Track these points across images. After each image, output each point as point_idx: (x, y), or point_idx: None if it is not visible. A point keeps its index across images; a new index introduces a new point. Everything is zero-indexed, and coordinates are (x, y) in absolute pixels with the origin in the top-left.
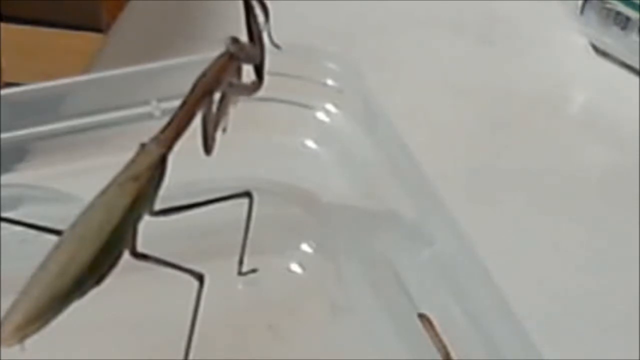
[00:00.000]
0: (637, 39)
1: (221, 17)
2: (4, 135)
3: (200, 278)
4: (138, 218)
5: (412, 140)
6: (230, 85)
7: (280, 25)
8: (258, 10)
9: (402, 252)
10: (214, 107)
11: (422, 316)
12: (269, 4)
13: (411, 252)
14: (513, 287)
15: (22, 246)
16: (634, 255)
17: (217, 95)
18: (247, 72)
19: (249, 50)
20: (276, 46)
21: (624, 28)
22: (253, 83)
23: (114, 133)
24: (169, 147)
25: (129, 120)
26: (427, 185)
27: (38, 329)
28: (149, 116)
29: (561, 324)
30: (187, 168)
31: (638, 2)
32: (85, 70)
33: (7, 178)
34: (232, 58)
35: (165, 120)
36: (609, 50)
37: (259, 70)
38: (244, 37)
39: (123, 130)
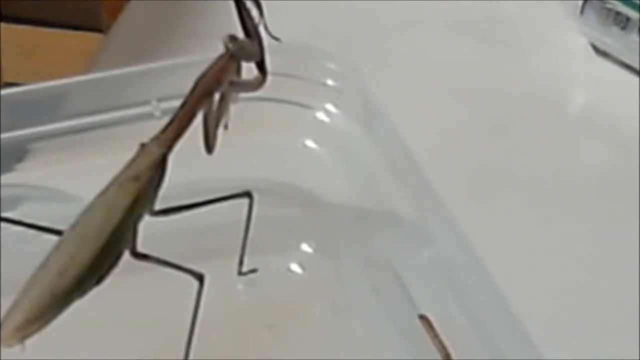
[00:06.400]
0: (637, 39)
1: (221, 16)
2: (4, 135)
3: (200, 278)
4: (138, 218)
5: (412, 140)
6: (233, 83)
7: (281, 25)
8: (250, 5)
9: (402, 252)
10: (215, 106)
11: (422, 317)
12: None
13: (411, 252)
14: (513, 287)
15: (22, 246)
16: (634, 255)
17: (217, 94)
18: (250, 68)
19: (248, 47)
20: (275, 38)
21: (624, 28)
22: (257, 79)
23: (114, 133)
24: (169, 147)
25: (129, 120)
26: (427, 185)
27: (38, 329)
28: (149, 116)
29: (561, 324)
30: (187, 168)
31: (638, 2)
32: (85, 70)
33: (7, 178)
34: (232, 58)
35: (165, 120)
36: (609, 50)
37: (261, 66)
38: (241, 36)
39: (123, 130)
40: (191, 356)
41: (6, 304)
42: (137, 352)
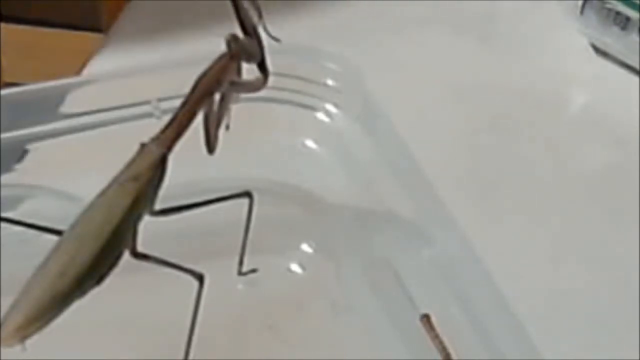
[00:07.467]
0: (637, 39)
1: (221, 16)
2: (4, 135)
3: (200, 278)
4: (138, 218)
5: (412, 140)
6: (233, 83)
7: (281, 26)
8: (247, 6)
9: (402, 252)
10: (215, 106)
11: (422, 316)
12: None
13: (411, 252)
14: (513, 287)
15: (22, 246)
16: (634, 255)
17: (217, 94)
18: (252, 68)
19: (249, 47)
20: (274, 39)
21: (624, 28)
22: (258, 79)
23: (114, 133)
24: (170, 147)
25: (129, 120)
26: (427, 185)
27: (38, 329)
28: (149, 116)
29: (561, 324)
30: (187, 168)
31: (638, 2)
32: (85, 70)
33: (7, 178)
34: (232, 58)
35: (165, 120)
36: (609, 50)
37: (262, 66)
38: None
39: (123, 130)
40: (191, 356)
41: (6, 304)
42: (137, 352)
